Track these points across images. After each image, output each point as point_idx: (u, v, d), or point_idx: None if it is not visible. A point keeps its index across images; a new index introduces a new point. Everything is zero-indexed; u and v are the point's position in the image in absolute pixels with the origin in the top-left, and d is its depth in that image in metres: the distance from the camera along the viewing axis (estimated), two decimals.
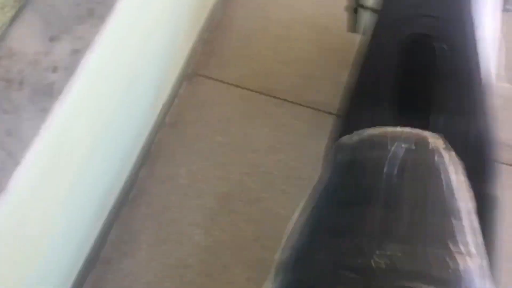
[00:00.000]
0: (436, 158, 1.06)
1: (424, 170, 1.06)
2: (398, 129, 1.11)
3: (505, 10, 1.93)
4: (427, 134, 1.12)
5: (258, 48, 2.32)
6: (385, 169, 1.04)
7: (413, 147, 1.08)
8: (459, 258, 0.95)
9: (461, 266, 0.94)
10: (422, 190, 1.03)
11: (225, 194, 1.97)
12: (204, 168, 2.03)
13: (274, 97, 2.18)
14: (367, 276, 0.95)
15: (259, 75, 2.24)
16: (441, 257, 0.95)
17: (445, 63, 1.51)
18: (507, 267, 1.80)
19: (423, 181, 1.04)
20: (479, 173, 1.57)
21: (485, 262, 0.98)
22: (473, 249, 0.97)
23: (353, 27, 1.94)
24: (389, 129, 1.11)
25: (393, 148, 1.07)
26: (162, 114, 2.12)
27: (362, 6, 1.80)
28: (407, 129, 1.11)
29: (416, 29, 1.52)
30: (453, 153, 1.09)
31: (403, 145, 1.07)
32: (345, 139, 1.14)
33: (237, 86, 2.23)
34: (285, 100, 2.17)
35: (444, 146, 1.09)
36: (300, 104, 2.16)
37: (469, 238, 0.98)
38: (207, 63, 2.30)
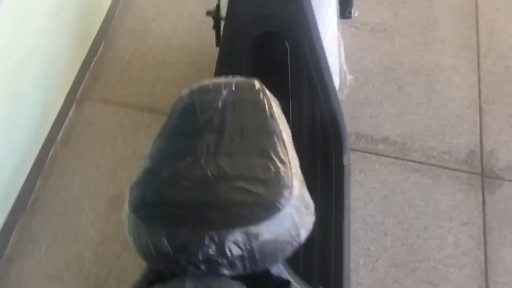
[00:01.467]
0: (255, 95, 1.36)
1: (248, 104, 1.34)
2: (229, 78, 1.41)
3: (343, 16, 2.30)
4: (248, 79, 1.41)
5: (140, 72, 2.60)
6: (218, 106, 1.32)
7: (240, 89, 1.37)
8: (274, 164, 1.21)
9: (277, 170, 1.19)
10: (246, 118, 1.31)
11: (115, 196, 2.21)
12: (95, 176, 2.28)
13: (157, 112, 2.45)
14: (203, 183, 1.19)
15: (142, 95, 2.51)
16: (262, 164, 1.21)
17: (293, 57, 1.82)
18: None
19: (246, 112, 1.33)
20: (327, 148, 1.88)
21: (295, 170, 1.23)
22: (285, 159, 1.23)
23: (219, 41, 2.24)
24: (219, 79, 1.41)
25: (224, 91, 1.35)
26: (53, 133, 2.36)
27: (222, 19, 2.10)
28: (235, 78, 1.42)
29: (264, 28, 1.83)
30: (268, 92, 1.38)
31: (232, 88, 1.36)
32: (184, 91, 1.41)
33: (122, 106, 2.50)
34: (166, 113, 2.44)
35: (261, 87, 1.38)
36: None
37: (282, 151, 1.24)
38: (94, 88, 2.58)
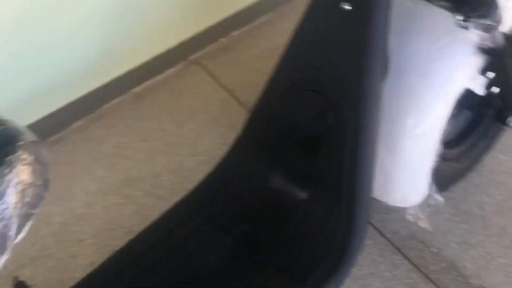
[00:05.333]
0: None
1: None
2: None
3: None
4: None
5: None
6: None
7: None
8: None
9: None
10: None
11: (133, 179, 2.07)
12: (134, 146, 2.17)
13: None
14: None
15: (256, 90, 2.30)
16: None
17: (333, 133, 1.53)
18: None
19: None
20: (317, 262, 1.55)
21: None
22: None
23: None
24: None
25: None
26: (136, 77, 2.30)
27: None
28: None
29: (310, 84, 1.54)
30: None
31: None
32: None
33: (226, 90, 2.33)
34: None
35: None
36: None
37: None
38: (215, 57, 2.44)
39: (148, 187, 2.05)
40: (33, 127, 2.06)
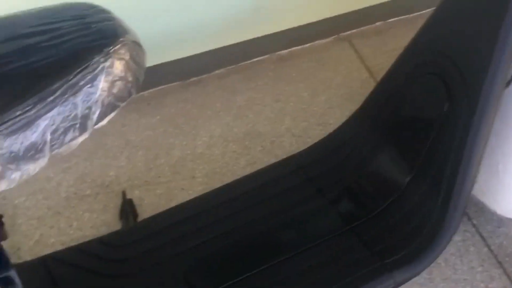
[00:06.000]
0: None
1: None
2: None
3: None
4: None
5: None
6: None
7: None
8: None
9: None
10: None
11: (256, 133, 2.14)
12: (265, 103, 2.23)
13: None
14: None
15: None
16: None
17: (444, 122, 1.52)
18: None
19: None
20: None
21: None
22: None
23: None
24: None
25: None
26: (285, 40, 2.37)
27: None
28: None
29: (433, 69, 1.55)
30: None
31: None
32: None
33: (369, 71, 2.33)
34: None
35: None
36: None
37: None
38: (367, 39, 2.46)
39: (268, 144, 2.10)
40: (177, 64, 2.17)
